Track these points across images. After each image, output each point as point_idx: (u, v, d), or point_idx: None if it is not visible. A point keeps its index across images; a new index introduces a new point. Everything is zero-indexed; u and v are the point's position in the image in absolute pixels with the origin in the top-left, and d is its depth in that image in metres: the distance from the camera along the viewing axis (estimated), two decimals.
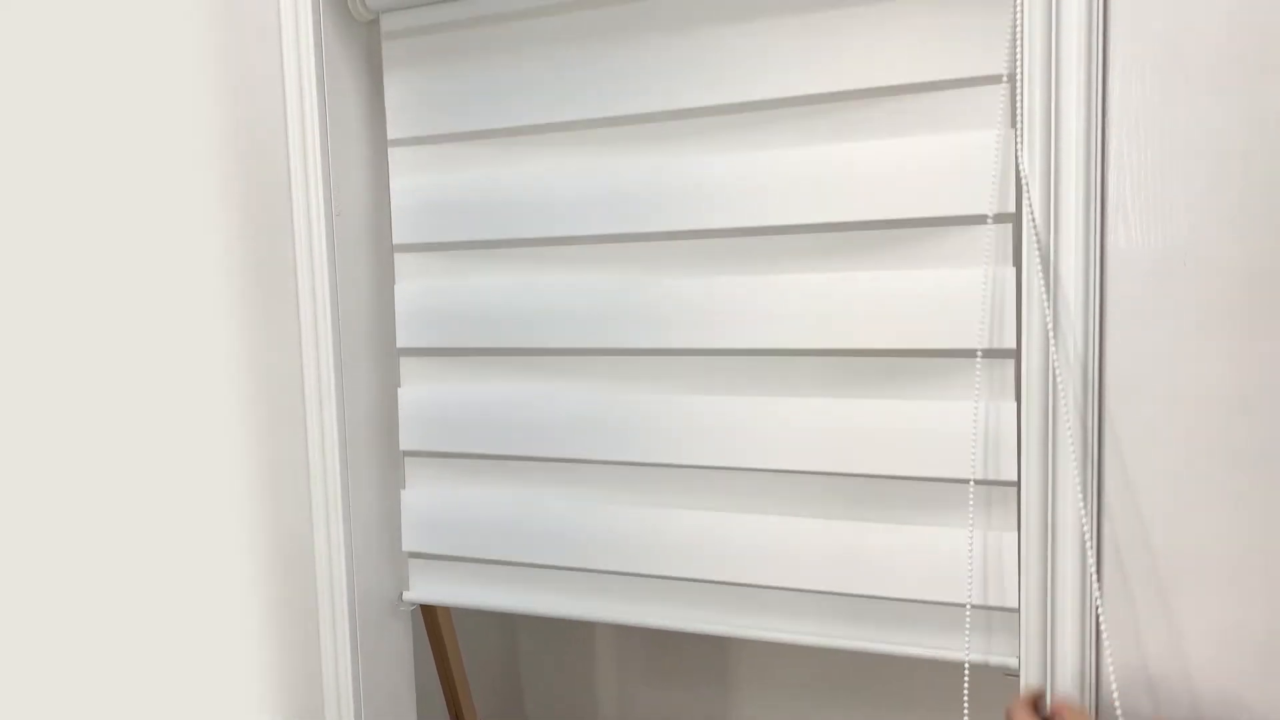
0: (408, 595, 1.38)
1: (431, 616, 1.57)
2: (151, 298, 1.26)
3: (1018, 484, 1.00)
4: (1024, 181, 0.94)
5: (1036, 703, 0.91)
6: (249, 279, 1.29)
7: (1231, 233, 0.87)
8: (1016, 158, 0.96)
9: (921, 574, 1.07)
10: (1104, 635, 0.92)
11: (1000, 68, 0.99)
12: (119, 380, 1.24)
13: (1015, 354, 0.98)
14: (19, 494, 1.19)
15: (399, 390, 1.34)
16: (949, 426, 1.04)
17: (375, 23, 1.31)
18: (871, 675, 1.79)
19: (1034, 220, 0.93)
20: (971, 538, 1.02)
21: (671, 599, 1.22)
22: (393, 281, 1.35)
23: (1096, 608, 0.94)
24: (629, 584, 1.24)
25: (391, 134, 1.30)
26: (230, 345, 1.29)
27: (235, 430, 1.30)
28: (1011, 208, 0.99)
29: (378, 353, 1.34)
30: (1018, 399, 0.99)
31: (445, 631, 1.56)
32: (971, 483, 1.01)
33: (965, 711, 0.98)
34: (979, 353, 1.01)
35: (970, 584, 1.03)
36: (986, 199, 1.00)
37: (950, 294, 1.03)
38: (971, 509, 1.02)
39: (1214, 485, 0.90)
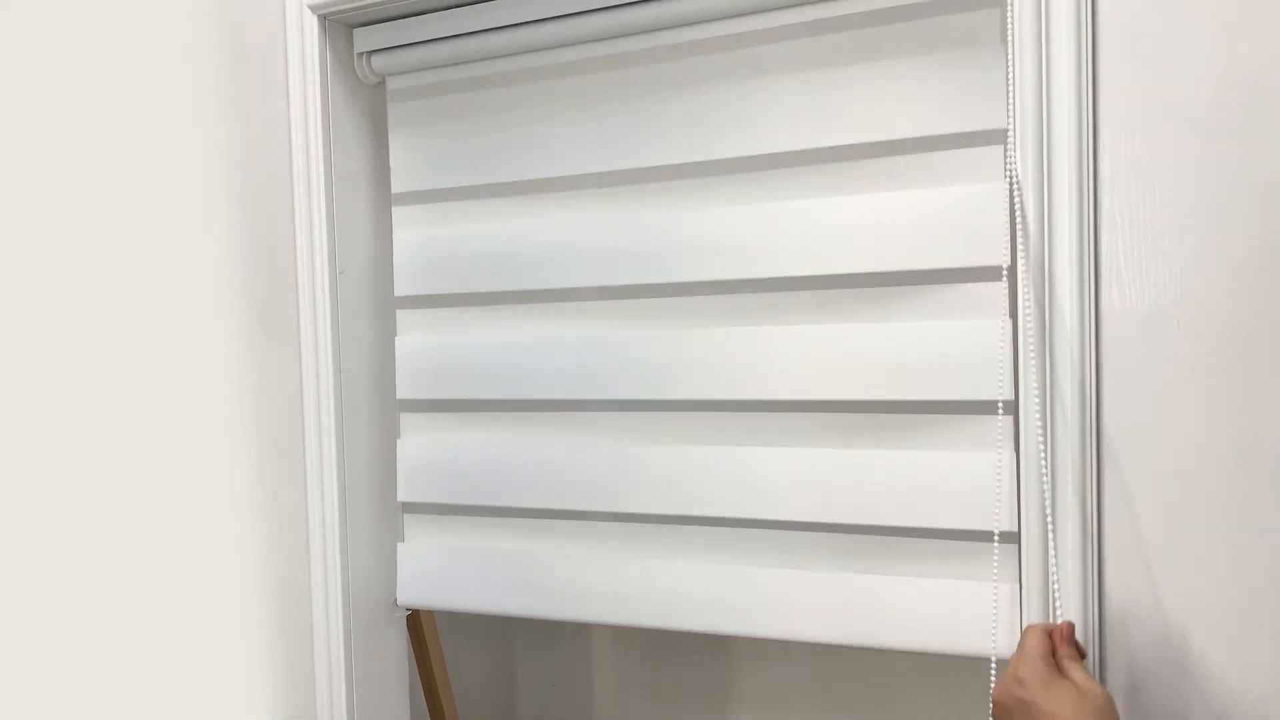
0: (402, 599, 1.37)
1: (416, 624, 1.55)
2: (156, 346, 1.27)
3: (1018, 536, 0.99)
4: (1019, 240, 0.95)
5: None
6: (253, 332, 1.30)
7: (1224, 291, 0.88)
8: (1012, 217, 0.97)
9: (929, 625, 1.06)
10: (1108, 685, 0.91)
11: (995, 126, 1.00)
12: (126, 424, 1.25)
13: (1013, 408, 0.98)
14: (16, 481, 1.19)
15: (398, 442, 1.35)
16: (954, 478, 1.04)
17: (381, 85, 1.34)
18: (874, 687, 1.76)
19: (1029, 279, 0.94)
20: (985, 589, 1.01)
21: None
22: (394, 334, 1.36)
23: (1099, 657, 0.93)
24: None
25: (395, 191, 1.33)
26: (233, 399, 1.30)
27: (238, 482, 1.30)
28: (1008, 263, 0.99)
29: (378, 405, 1.35)
30: (1016, 452, 0.99)
31: (430, 640, 1.54)
32: (995, 538, 1.01)
33: None
34: (986, 404, 1.01)
35: (992, 634, 1.02)
36: (984, 255, 1.01)
37: (945, 347, 1.03)
38: (995, 561, 1.01)
39: (1214, 539, 0.89)
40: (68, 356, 1.22)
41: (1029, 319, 0.94)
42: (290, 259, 1.29)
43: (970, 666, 1.02)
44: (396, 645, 1.39)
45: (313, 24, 1.25)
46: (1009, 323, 0.99)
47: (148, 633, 1.24)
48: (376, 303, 1.35)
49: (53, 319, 1.22)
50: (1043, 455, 0.93)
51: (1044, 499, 0.94)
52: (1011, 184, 0.95)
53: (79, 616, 1.20)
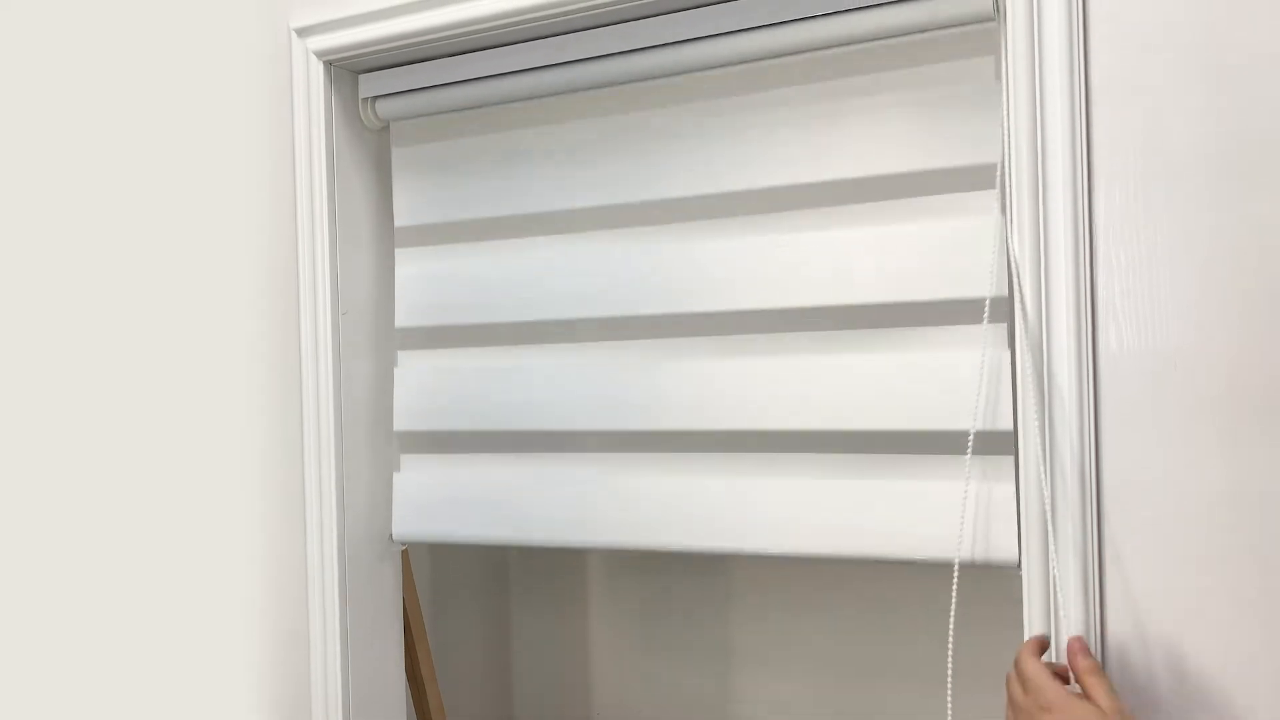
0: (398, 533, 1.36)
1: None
2: (158, 382, 1.27)
3: (1019, 581, 0.99)
4: (1015, 281, 0.96)
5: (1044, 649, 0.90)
6: (255, 370, 1.31)
7: (1220, 335, 0.88)
8: (1008, 259, 0.98)
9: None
10: None
11: (993, 170, 1.02)
12: (131, 452, 1.25)
13: (1013, 455, 0.99)
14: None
15: (395, 475, 1.35)
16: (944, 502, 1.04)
17: (385, 129, 1.36)
18: (882, 653, 1.75)
19: (1026, 323, 0.95)
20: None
21: None
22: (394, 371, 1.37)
23: None
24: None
25: (398, 231, 1.34)
26: (234, 439, 1.30)
27: (239, 527, 1.30)
28: (1007, 305, 1.00)
29: (378, 442, 1.35)
30: (1017, 500, 0.99)
31: (413, 618, 1.51)
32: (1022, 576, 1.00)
33: None
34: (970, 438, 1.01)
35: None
36: (982, 291, 1.02)
37: (944, 383, 1.04)
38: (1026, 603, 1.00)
39: (1214, 585, 0.89)
40: (74, 364, 1.23)
41: (1027, 362, 0.94)
42: (294, 298, 1.30)
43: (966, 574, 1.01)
44: (391, 579, 1.38)
45: (319, 70, 1.27)
46: (1007, 354, 1.00)
47: (148, 577, 1.26)
48: (377, 344, 1.36)
49: (64, 340, 1.23)
50: (1045, 492, 0.93)
51: (1047, 535, 0.93)
52: (1007, 226, 0.96)
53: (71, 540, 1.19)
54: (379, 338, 1.36)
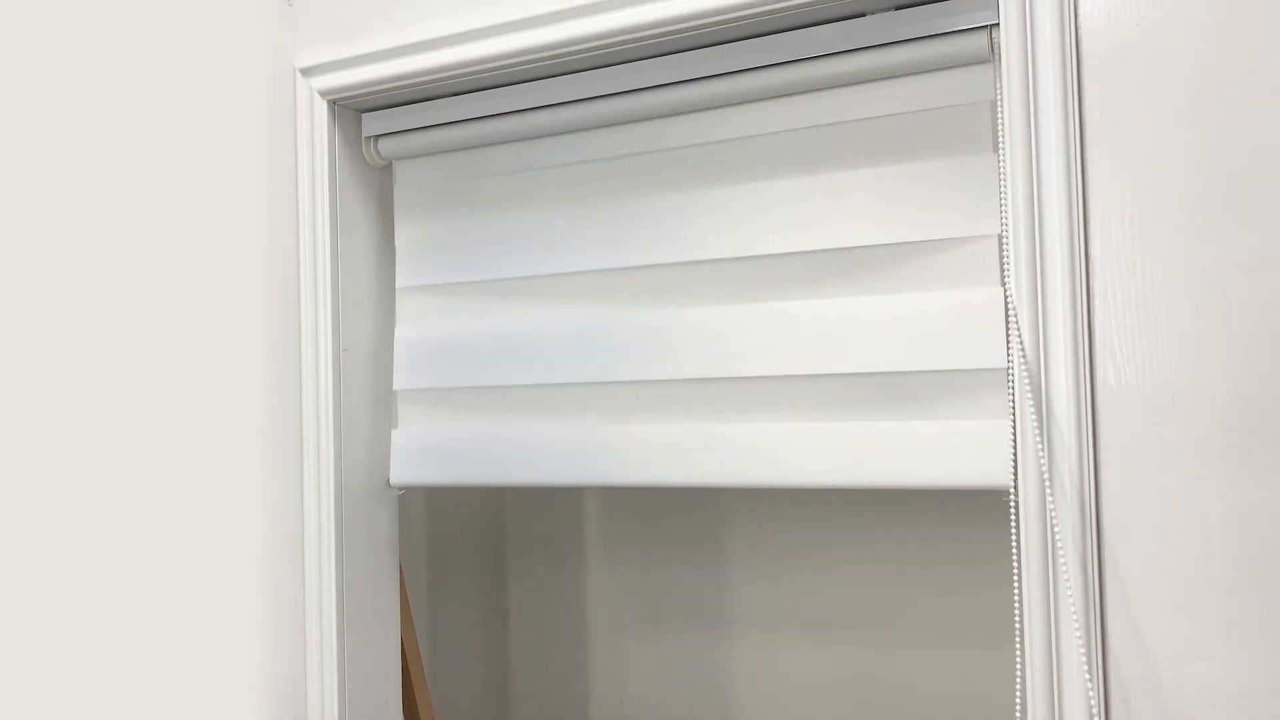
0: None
1: None
2: (159, 417, 1.28)
3: (1019, 620, 0.99)
4: (1012, 316, 0.96)
5: None
6: (257, 409, 1.31)
7: (1218, 369, 0.89)
8: (1006, 301, 0.99)
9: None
10: None
11: (992, 227, 1.03)
12: (134, 478, 1.25)
13: (1012, 493, 0.99)
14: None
15: (394, 431, 1.36)
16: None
17: (388, 167, 1.37)
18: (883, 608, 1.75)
19: (1025, 360, 0.95)
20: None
21: None
22: (395, 410, 1.37)
23: None
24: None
25: (399, 281, 1.35)
26: (235, 483, 1.30)
27: (238, 567, 1.30)
28: (1004, 350, 1.01)
29: (376, 485, 1.35)
30: (1016, 537, 0.99)
31: (404, 626, 1.50)
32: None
33: None
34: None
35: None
36: (981, 346, 1.02)
37: (948, 434, 1.04)
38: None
39: (1217, 621, 0.88)
40: (73, 426, 1.23)
41: (1026, 399, 0.95)
42: (295, 334, 1.31)
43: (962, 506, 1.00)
44: (387, 525, 1.38)
45: (322, 109, 1.29)
46: (1009, 413, 1.00)
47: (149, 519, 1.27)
48: (378, 382, 1.36)
49: (58, 399, 1.23)
50: (1050, 531, 0.93)
51: (1048, 571, 0.93)
52: (1006, 268, 0.97)
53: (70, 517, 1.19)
54: (379, 380, 1.36)
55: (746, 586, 1.86)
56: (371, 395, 1.34)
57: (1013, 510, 0.98)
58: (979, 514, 1.60)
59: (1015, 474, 0.97)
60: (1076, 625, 0.91)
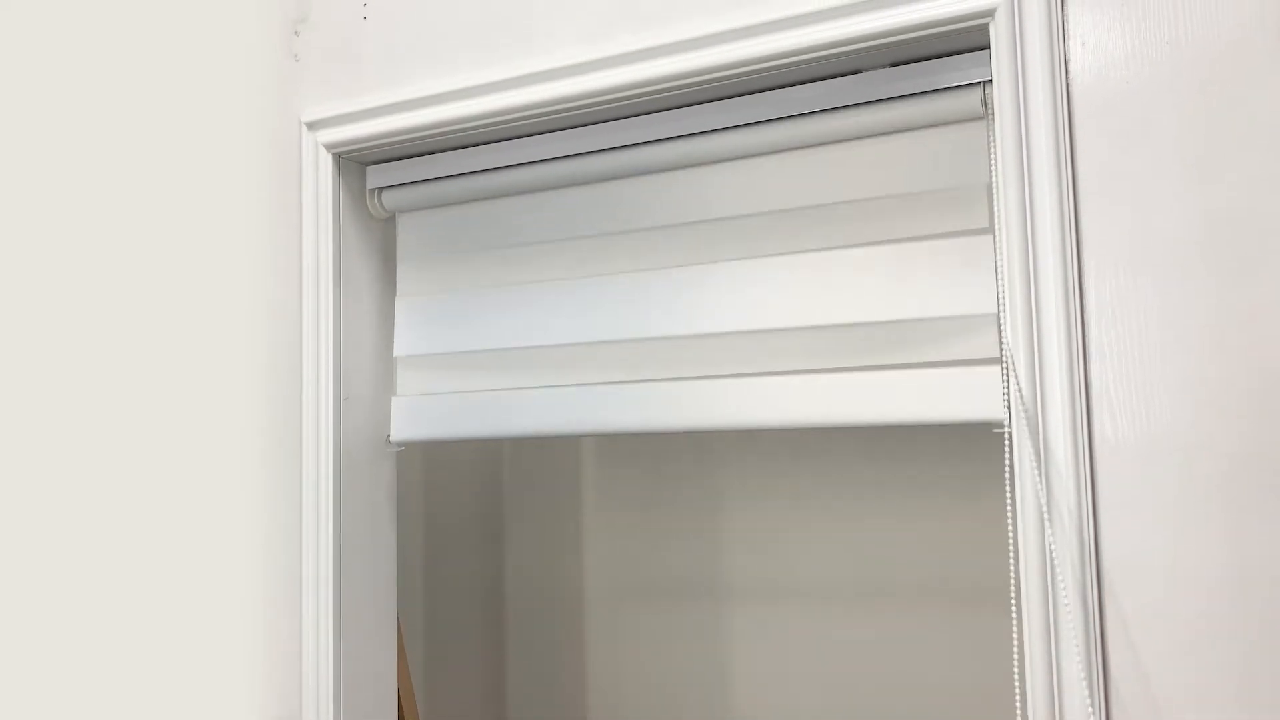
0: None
1: None
2: (159, 461, 1.28)
3: (1020, 668, 0.98)
4: (1010, 369, 0.97)
5: None
6: (257, 454, 1.31)
7: (1215, 420, 0.89)
8: (1002, 353, 1.00)
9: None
10: None
11: (990, 305, 1.04)
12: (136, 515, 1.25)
13: (1012, 543, 0.98)
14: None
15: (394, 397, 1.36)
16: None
17: (391, 219, 1.39)
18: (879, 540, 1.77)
19: (1024, 411, 0.96)
20: None
21: None
22: (394, 461, 1.37)
23: None
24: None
25: (399, 350, 1.37)
26: (234, 527, 1.30)
27: (236, 615, 1.29)
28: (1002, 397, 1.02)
29: (376, 529, 1.35)
30: (1016, 587, 0.98)
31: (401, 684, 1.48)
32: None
33: None
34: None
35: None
36: (981, 410, 1.03)
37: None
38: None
39: (1221, 672, 0.88)
40: (76, 466, 1.23)
41: (1025, 448, 0.95)
42: (296, 382, 1.31)
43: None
44: (386, 480, 1.38)
45: (327, 162, 1.31)
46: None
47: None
48: (378, 429, 1.36)
49: (61, 450, 1.24)
50: (1051, 583, 0.92)
51: (1049, 624, 0.93)
52: (1002, 319, 0.98)
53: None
54: (379, 428, 1.36)
55: (743, 556, 1.88)
56: (372, 448, 1.35)
57: (1013, 560, 0.98)
58: (974, 490, 1.64)
59: (1015, 524, 0.97)
60: (1080, 675, 0.90)
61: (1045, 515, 0.93)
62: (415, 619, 2.17)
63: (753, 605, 1.87)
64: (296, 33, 1.35)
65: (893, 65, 1.06)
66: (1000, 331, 0.99)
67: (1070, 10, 0.95)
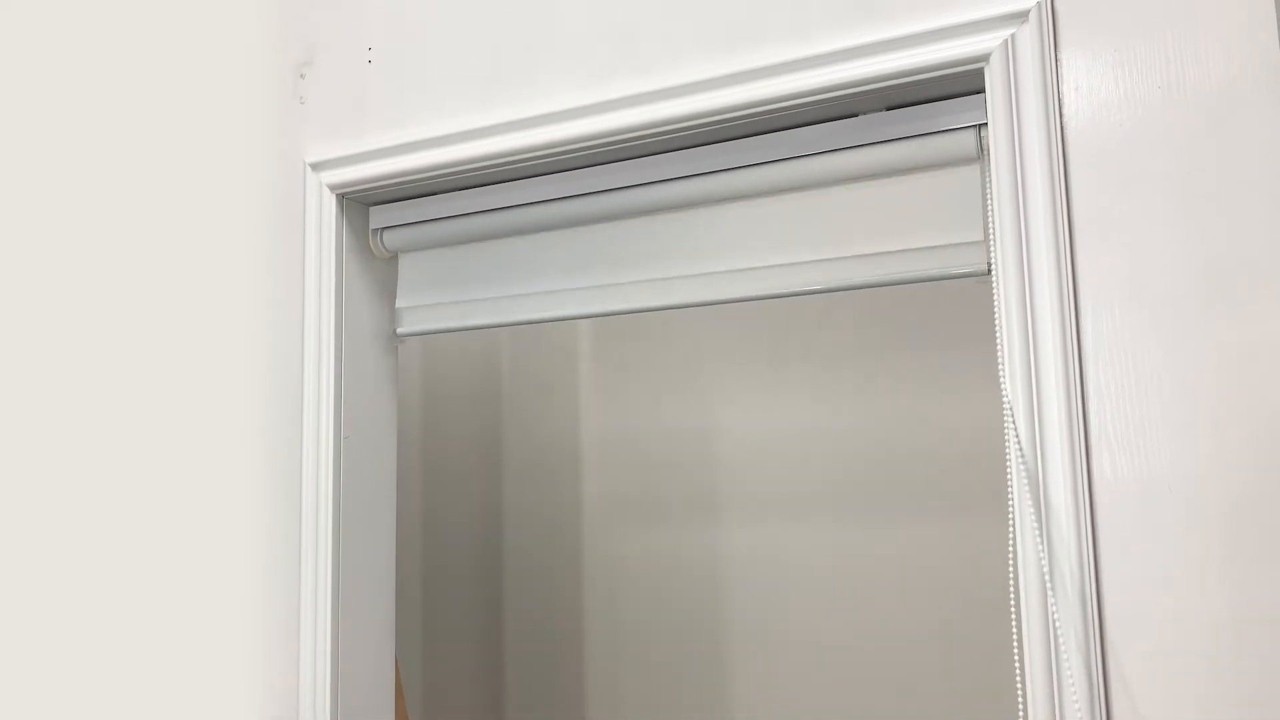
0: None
1: None
2: (166, 484, 1.28)
3: (1023, 707, 0.97)
4: (1009, 408, 0.97)
5: None
6: (258, 490, 1.31)
7: (1213, 460, 0.89)
8: (1002, 392, 1.00)
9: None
10: None
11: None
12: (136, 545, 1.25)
13: (1012, 590, 0.98)
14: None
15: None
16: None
17: (394, 259, 1.40)
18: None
19: (1021, 452, 0.96)
20: None
21: None
22: (394, 500, 1.37)
23: None
24: None
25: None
26: (232, 562, 1.30)
27: (237, 643, 1.28)
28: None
29: (377, 568, 1.35)
30: (1017, 635, 0.98)
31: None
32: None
33: None
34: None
35: None
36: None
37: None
38: None
39: (1223, 714, 0.87)
40: (79, 522, 1.24)
41: (1024, 489, 0.95)
42: (297, 419, 1.32)
43: None
44: (388, 372, 1.39)
45: (331, 202, 1.32)
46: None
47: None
48: (379, 468, 1.37)
49: (66, 493, 1.24)
50: (1052, 629, 0.92)
51: (1050, 666, 0.92)
52: (1001, 357, 0.98)
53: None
54: (380, 466, 1.37)
55: (742, 561, 1.92)
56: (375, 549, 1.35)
57: (1014, 607, 0.97)
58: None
59: (1015, 568, 0.96)
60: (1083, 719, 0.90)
61: (1044, 557, 0.93)
62: (414, 618, 2.18)
63: (751, 605, 1.90)
64: (302, 75, 1.37)
65: (889, 109, 1.07)
66: (1000, 374, 0.99)
67: (1063, 56, 0.96)
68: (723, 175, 1.15)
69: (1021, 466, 0.95)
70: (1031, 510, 0.94)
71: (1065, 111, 0.96)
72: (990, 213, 1.00)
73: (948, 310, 1.76)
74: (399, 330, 1.38)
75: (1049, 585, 0.93)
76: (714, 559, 1.94)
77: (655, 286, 1.21)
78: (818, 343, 1.86)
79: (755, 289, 1.15)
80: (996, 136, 0.98)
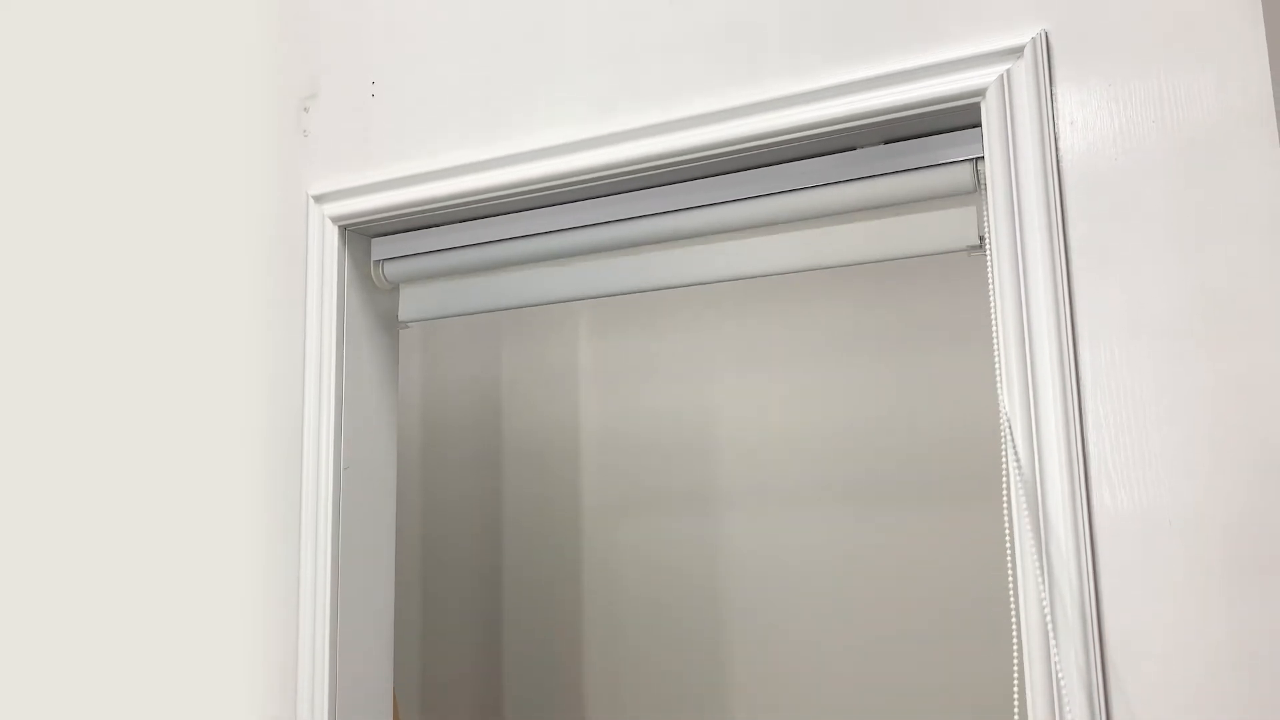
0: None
1: None
2: (160, 520, 1.28)
3: None
4: (1008, 441, 0.98)
5: None
6: (257, 522, 1.31)
7: (1212, 492, 0.89)
8: (1002, 423, 1.00)
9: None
10: None
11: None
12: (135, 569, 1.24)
13: (1013, 618, 0.98)
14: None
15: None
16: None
17: (395, 290, 1.41)
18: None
19: (1021, 480, 0.96)
20: None
21: None
22: (394, 531, 1.37)
23: None
24: None
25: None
26: (231, 597, 1.29)
27: (237, 642, 1.28)
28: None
29: (375, 604, 1.34)
30: (1018, 664, 0.97)
31: None
32: None
33: None
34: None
35: None
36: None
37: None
38: None
39: None
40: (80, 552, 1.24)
41: (1024, 521, 0.95)
42: (297, 449, 1.32)
43: None
44: (389, 401, 1.39)
45: (333, 234, 1.33)
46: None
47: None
48: (380, 499, 1.37)
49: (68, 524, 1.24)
50: (1052, 658, 0.92)
51: (1053, 703, 0.92)
52: (1001, 389, 0.99)
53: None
54: (381, 498, 1.37)
55: (740, 554, 1.93)
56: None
57: (1015, 636, 0.97)
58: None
59: (1016, 598, 0.96)
60: None
61: (1044, 587, 0.93)
62: (412, 618, 2.18)
63: (750, 598, 1.91)
64: (306, 109, 1.38)
65: (886, 142, 1.08)
66: (1000, 405, 1.00)
67: (1058, 91, 0.98)
68: (722, 208, 1.16)
69: (1021, 496, 0.95)
70: (1032, 542, 0.94)
71: (1061, 146, 0.98)
72: (988, 245, 1.01)
73: (947, 305, 1.77)
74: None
75: (1049, 616, 0.92)
76: (713, 552, 1.95)
77: (640, 268, 1.21)
78: (818, 338, 1.87)
79: (745, 267, 1.17)
80: (993, 170, 0.99)
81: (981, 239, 1.06)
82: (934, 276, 1.76)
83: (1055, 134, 0.98)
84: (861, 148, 1.09)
